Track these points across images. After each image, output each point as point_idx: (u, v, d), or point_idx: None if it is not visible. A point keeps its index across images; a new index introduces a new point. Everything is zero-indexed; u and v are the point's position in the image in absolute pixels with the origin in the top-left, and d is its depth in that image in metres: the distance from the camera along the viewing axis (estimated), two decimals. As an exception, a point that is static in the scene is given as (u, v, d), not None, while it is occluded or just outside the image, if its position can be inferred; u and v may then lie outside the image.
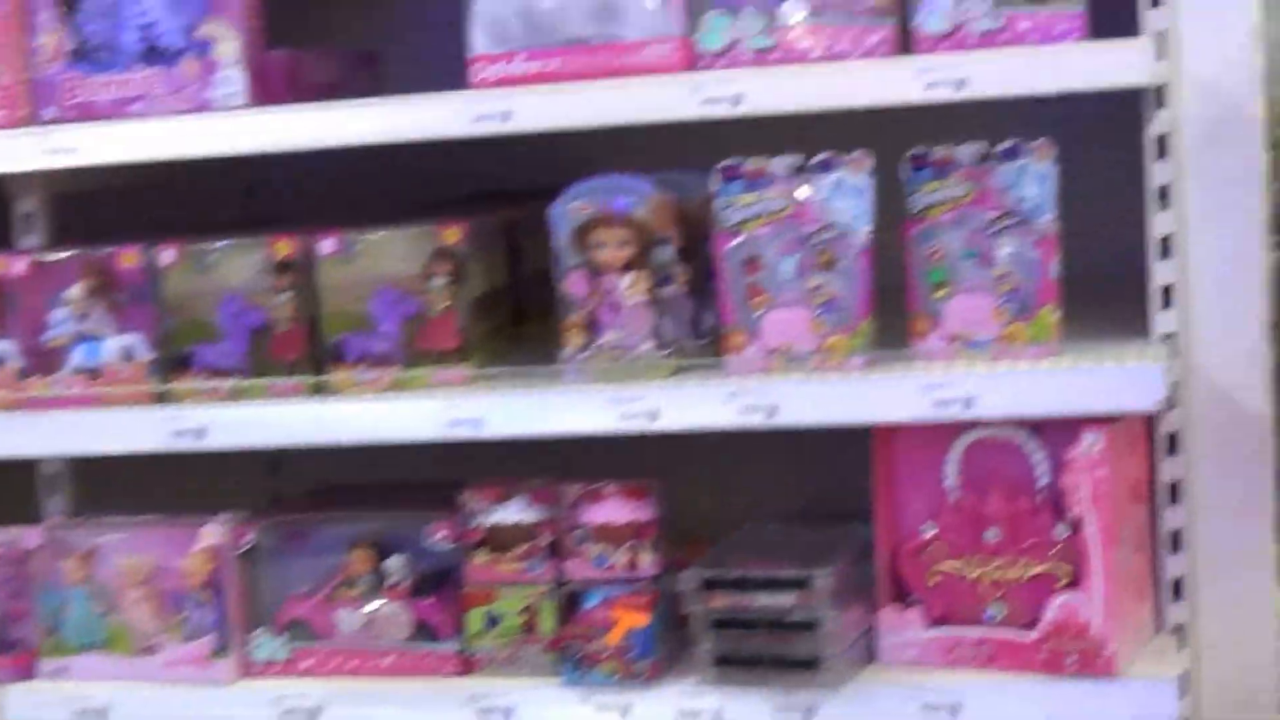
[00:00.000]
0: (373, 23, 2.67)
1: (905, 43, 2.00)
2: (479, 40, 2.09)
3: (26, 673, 2.32)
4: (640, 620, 2.07)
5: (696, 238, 2.11)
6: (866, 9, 1.99)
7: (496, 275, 2.31)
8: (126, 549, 2.27)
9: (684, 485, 2.19)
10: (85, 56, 2.20)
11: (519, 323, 2.37)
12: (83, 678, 2.28)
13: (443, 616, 2.16)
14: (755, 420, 2.00)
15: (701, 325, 2.14)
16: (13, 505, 2.49)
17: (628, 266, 2.08)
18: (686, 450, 2.16)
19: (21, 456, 2.30)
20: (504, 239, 2.35)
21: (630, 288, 2.07)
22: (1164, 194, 2.01)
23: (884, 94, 1.97)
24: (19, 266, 2.24)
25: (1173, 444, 2.04)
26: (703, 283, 2.11)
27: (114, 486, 2.47)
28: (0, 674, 2.31)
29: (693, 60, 2.05)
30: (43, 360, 2.25)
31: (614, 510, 2.11)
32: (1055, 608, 1.96)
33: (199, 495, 2.36)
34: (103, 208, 2.54)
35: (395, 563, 2.18)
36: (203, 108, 2.15)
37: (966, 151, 2.01)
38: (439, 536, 2.17)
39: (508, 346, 2.29)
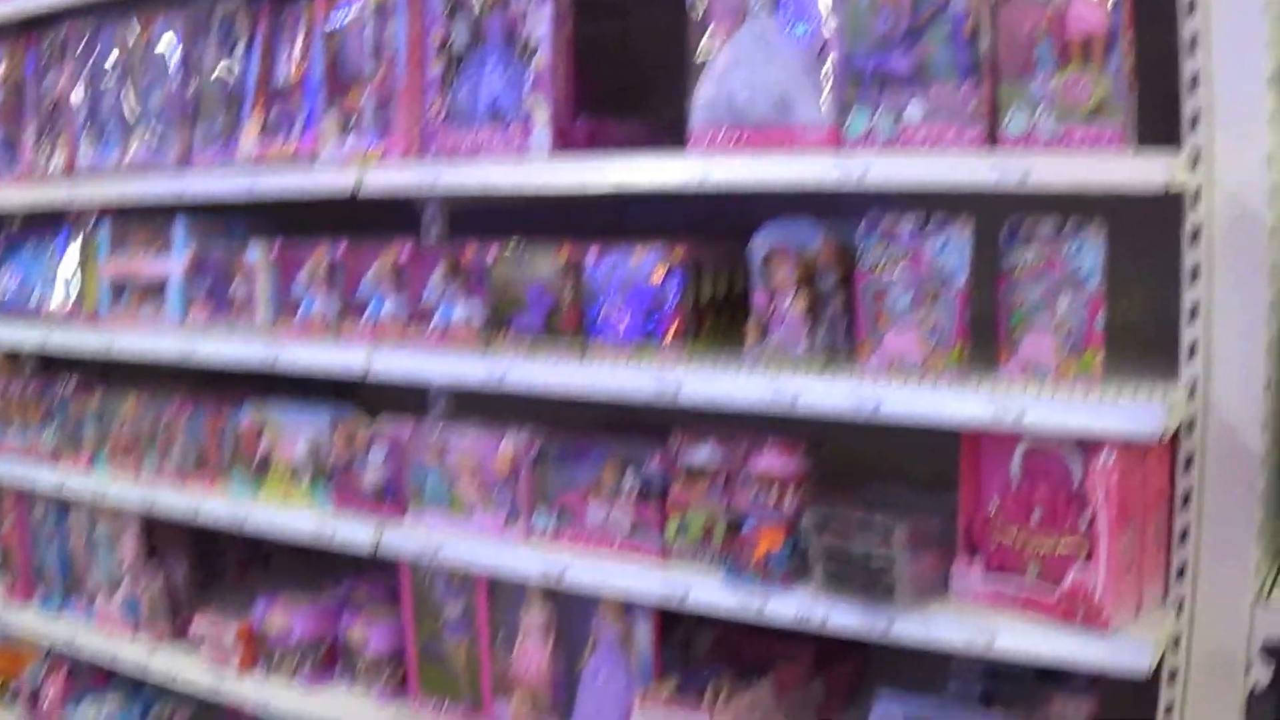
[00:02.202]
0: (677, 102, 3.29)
1: (994, 140, 2.41)
2: (697, 118, 2.68)
3: (400, 516, 3.18)
4: (778, 543, 2.65)
5: (851, 271, 2.64)
6: (966, 113, 2.41)
7: (719, 287, 2.92)
8: (462, 446, 3.08)
9: (835, 449, 2.77)
10: (454, 116, 3.00)
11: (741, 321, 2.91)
12: (430, 526, 3.12)
13: (654, 519, 2.83)
14: (866, 410, 2.51)
15: (850, 337, 2.65)
16: (415, 408, 3.38)
17: (794, 288, 2.66)
18: (841, 430, 2.70)
19: (400, 379, 3.12)
20: (727, 263, 2.93)
21: (793, 304, 2.66)
22: (1195, 272, 2.37)
23: (969, 177, 2.38)
24: (405, 253, 3.12)
25: (1188, 463, 2.43)
26: (853, 305, 2.64)
27: (470, 404, 3.33)
28: (385, 515, 3.19)
29: (840, 142, 2.54)
30: (418, 315, 3.09)
31: (771, 461, 2.70)
32: (1072, 575, 2.39)
33: (513, 415, 3.18)
34: (495, 214, 3.36)
35: (630, 477, 2.86)
36: (522, 154, 2.88)
37: (1045, 227, 2.44)
38: (655, 465, 2.83)
39: (725, 338, 2.90)
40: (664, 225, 3.26)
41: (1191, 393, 2.40)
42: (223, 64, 3.50)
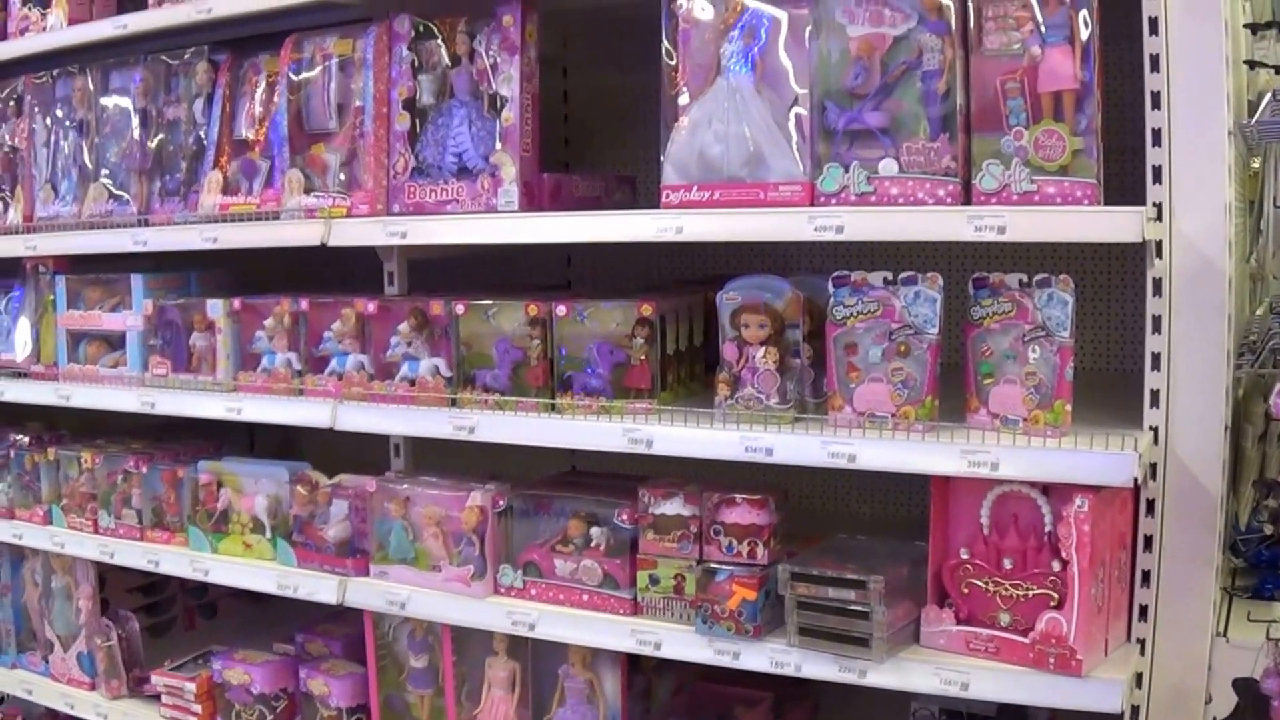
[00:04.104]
0: (635, 152, 3.21)
1: (967, 196, 2.33)
2: (669, 173, 2.55)
3: (363, 571, 3.01)
4: (751, 595, 2.52)
5: (820, 325, 2.53)
6: (940, 169, 2.33)
7: (691, 337, 2.81)
8: (427, 500, 2.91)
9: (798, 500, 2.66)
10: (421, 172, 2.85)
11: (709, 370, 2.80)
12: (395, 580, 2.95)
13: (623, 573, 2.69)
14: (840, 463, 2.41)
15: (820, 389, 2.55)
16: (373, 462, 3.22)
17: (765, 342, 2.55)
18: (801, 475, 2.62)
19: (365, 432, 2.96)
20: (701, 312, 2.83)
21: (764, 357, 2.53)
22: (1156, 323, 2.30)
23: (945, 231, 2.32)
24: (370, 307, 2.93)
25: (1150, 507, 2.34)
26: (823, 358, 2.54)
27: (431, 456, 3.17)
28: (348, 570, 3.01)
29: (814, 198, 2.43)
30: (383, 370, 2.93)
31: (742, 513, 2.57)
32: (1045, 621, 2.29)
33: (483, 468, 3.03)
34: (453, 268, 3.23)
35: (598, 532, 2.73)
36: (490, 210, 2.76)
37: (1012, 279, 2.35)
38: (624, 518, 2.70)
39: (694, 390, 2.79)
40: (625, 276, 3.16)
41: (1155, 439, 2.32)
42: (183, 117, 3.33)
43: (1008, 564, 2.38)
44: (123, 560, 3.47)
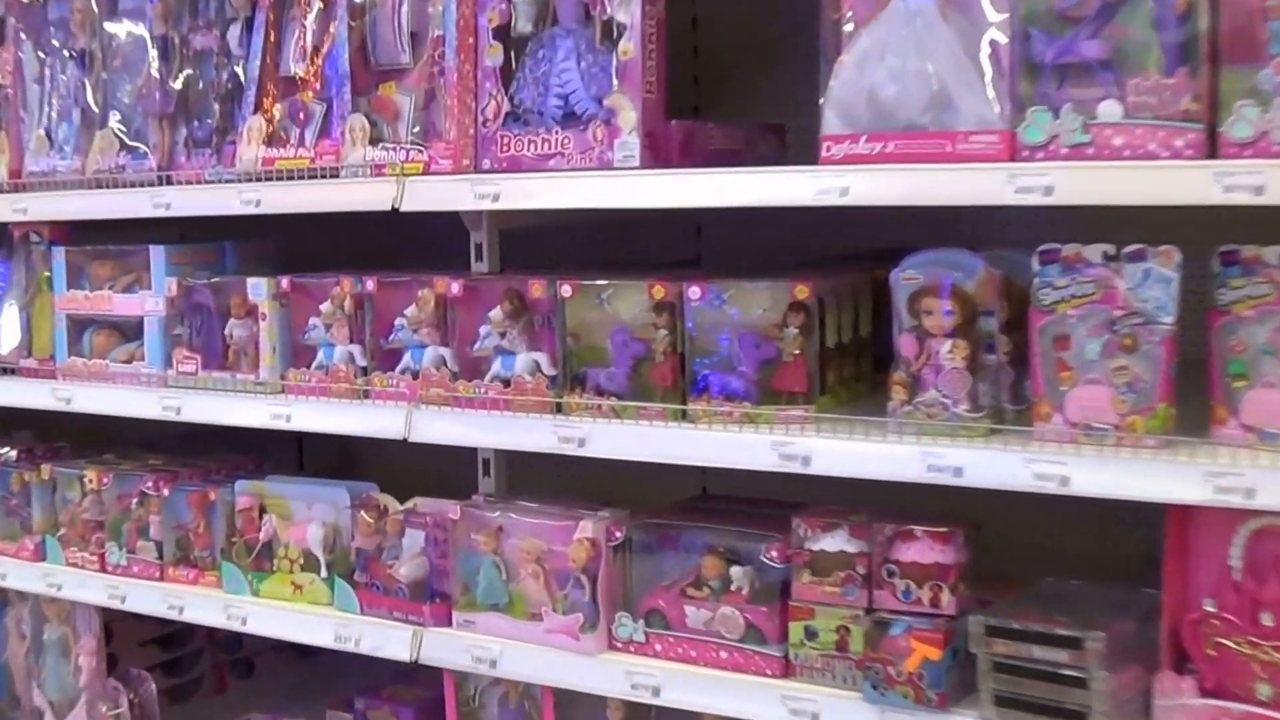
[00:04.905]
0: (785, 94, 3.38)
1: (1213, 147, 2.46)
2: (830, 120, 2.74)
3: (444, 620, 3.26)
4: (934, 653, 2.71)
5: (1022, 312, 2.69)
6: (1177, 113, 2.46)
7: (857, 327, 3.02)
8: (525, 530, 3.15)
9: (994, 533, 2.85)
10: (517, 118, 3.09)
11: (881, 368, 2.94)
12: (484, 631, 3.20)
13: (771, 624, 2.90)
14: (1049, 487, 2.58)
15: (1022, 392, 2.73)
16: (456, 483, 3.47)
17: (952, 333, 2.73)
18: (999, 500, 2.77)
19: (446, 444, 3.21)
20: (868, 295, 3.04)
21: (951, 352, 2.71)
22: None
23: (1185, 194, 2.44)
24: (455, 288, 3.20)
25: None
26: (1025, 354, 2.69)
27: (529, 475, 3.42)
28: (425, 618, 3.26)
29: (1014, 151, 2.59)
30: (470, 367, 3.18)
31: (922, 550, 2.78)
32: None
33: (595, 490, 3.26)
34: (554, 241, 3.46)
35: (738, 572, 2.94)
36: (604, 167, 2.97)
37: (1272, 254, 2.50)
38: (773, 555, 2.91)
39: (860, 393, 3.00)
40: (772, 250, 3.37)
41: None
42: (214, 48, 3.60)
43: (1267, 620, 2.53)
44: (137, 605, 3.76)
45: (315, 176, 3.36)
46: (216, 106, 3.61)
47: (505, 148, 3.11)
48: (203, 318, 3.64)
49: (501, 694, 3.30)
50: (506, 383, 3.15)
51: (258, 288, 3.52)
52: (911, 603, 2.79)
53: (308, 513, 3.52)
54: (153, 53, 3.71)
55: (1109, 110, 2.54)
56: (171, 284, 3.69)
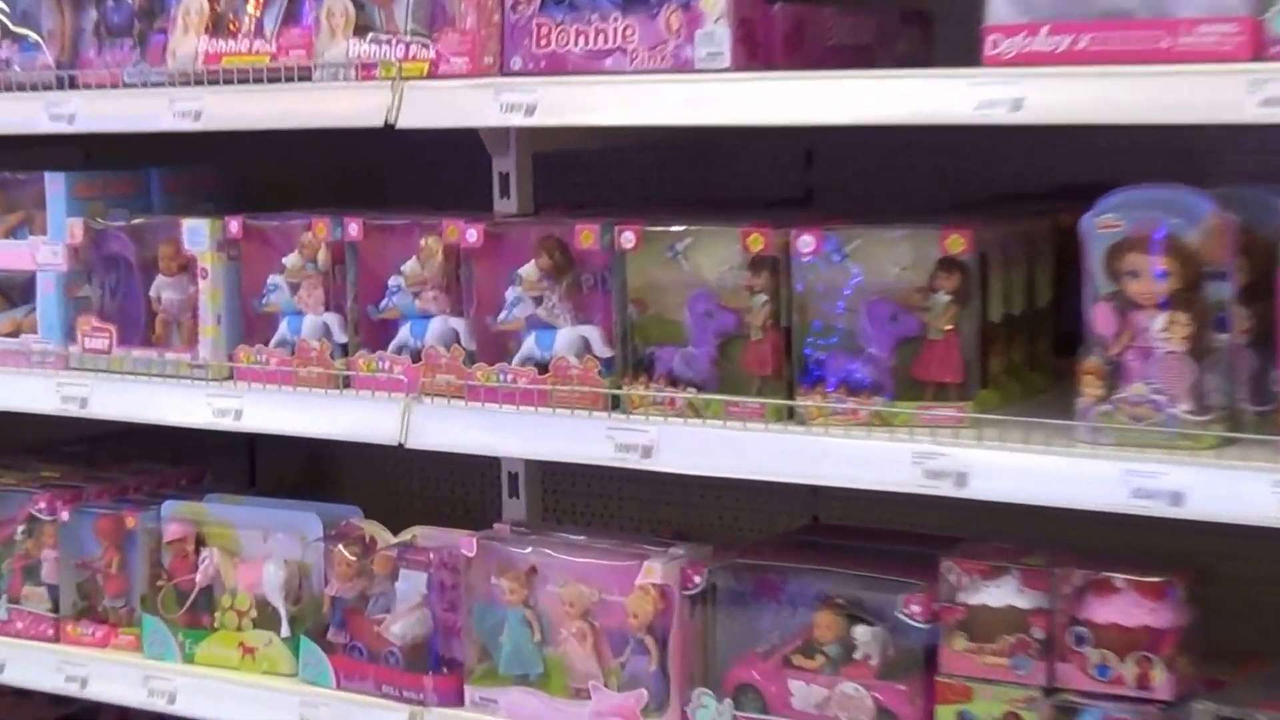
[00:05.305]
0: None
1: None
2: (998, 6, 2.75)
3: (453, 698, 3.29)
4: None
5: (1269, 274, 2.71)
6: None
7: (1032, 294, 3.06)
8: (568, 573, 3.18)
9: (1225, 584, 2.87)
10: (560, 1, 3.11)
11: (1068, 350, 2.95)
12: (508, 714, 3.24)
13: (911, 708, 2.92)
14: None
15: (1268, 388, 2.73)
16: (471, 505, 3.50)
17: (1168, 303, 2.75)
18: (1230, 539, 2.81)
19: (458, 451, 3.26)
20: (1049, 250, 3.07)
21: (1167, 330, 2.73)
22: None
23: None
24: (471, 234, 3.21)
25: None
26: (1273, 332, 2.71)
27: (573, 496, 3.45)
28: (426, 695, 3.29)
29: (1261, 47, 2.60)
30: (491, 344, 3.22)
31: (1125, 608, 2.78)
32: None
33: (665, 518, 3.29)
34: (609, 172, 3.49)
35: (865, 634, 2.96)
36: (680, 68, 3.00)
37: None
38: (914, 610, 2.93)
39: (1036, 386, 3.04)
40: (913, 187, 3.39)
41: None
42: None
43: None
44: (20, 677, 3.83)
45: (278, 80, 3.40)
46: (139, -15, 3.67)
47: (543, 41, 3.15)
48: (119, 274, 3.70)
49: (534, 802, 3.35)
50: (543, 367, 3.19)
51: (196, 233, 3.56)
52: (1110, 681, 2.81)
53: (263, 547, 3.58)
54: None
55: (1392, -12, 2.57)
56: (75, 226, 3.73)
